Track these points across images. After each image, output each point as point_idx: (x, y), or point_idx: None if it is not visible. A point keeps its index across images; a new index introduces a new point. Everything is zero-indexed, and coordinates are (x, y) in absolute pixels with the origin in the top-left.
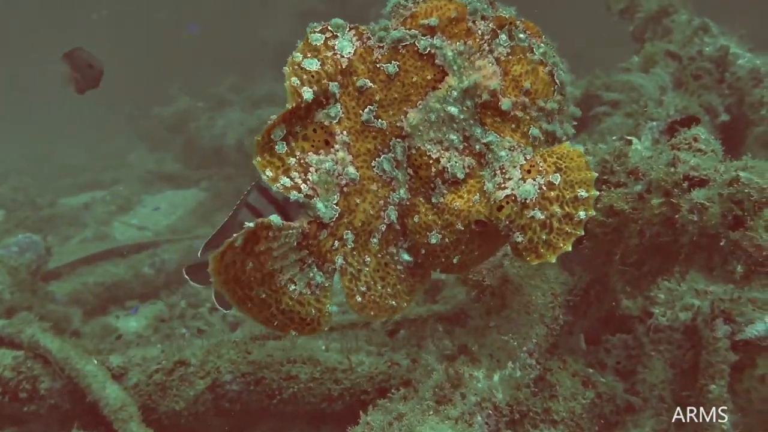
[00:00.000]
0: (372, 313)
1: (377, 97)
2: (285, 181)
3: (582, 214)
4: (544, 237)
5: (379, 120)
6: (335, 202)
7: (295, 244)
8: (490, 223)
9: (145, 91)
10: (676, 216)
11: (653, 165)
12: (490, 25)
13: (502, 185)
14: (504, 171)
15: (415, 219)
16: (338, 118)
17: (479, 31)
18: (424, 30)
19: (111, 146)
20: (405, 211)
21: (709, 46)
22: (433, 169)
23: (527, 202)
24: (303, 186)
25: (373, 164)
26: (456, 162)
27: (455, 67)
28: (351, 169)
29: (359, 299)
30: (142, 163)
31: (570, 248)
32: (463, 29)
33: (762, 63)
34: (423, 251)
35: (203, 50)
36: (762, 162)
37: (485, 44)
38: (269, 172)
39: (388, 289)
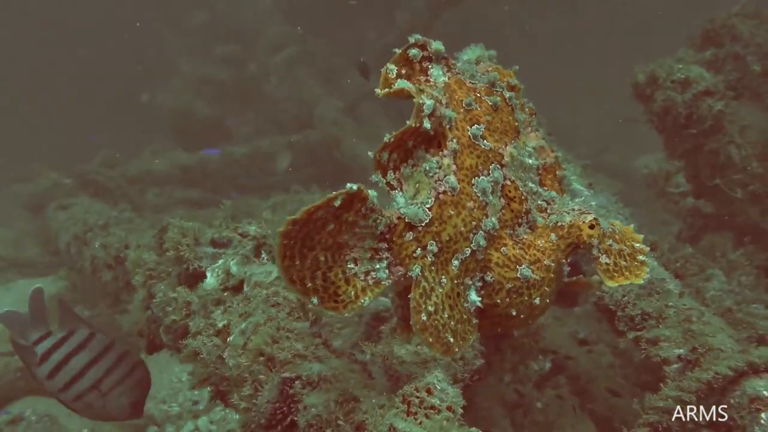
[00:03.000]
0: (430, 339)
1: (483, 119)
2: (383, 156)
3: (642, 257)
4: (623, 263)
5: (485, 141)
6: (428, 206)
7: (378, 232)
8: (576, 251)
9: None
10: None
11: None
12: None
13: (583, 212)
14: (574, 209)
15: (503, 251)
16: (451, 125)
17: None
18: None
19: None
20: (491, 241)
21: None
22: (524, 206)
23: (605, 231)
24: (390, 173)
25: (473, 182)
26: (533, 207)
27: (521, 128)
28: (452, 179)
29: (424, 318)
30: None
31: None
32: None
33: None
34: (496, 294)
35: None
36: None
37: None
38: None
39: (452, 322)
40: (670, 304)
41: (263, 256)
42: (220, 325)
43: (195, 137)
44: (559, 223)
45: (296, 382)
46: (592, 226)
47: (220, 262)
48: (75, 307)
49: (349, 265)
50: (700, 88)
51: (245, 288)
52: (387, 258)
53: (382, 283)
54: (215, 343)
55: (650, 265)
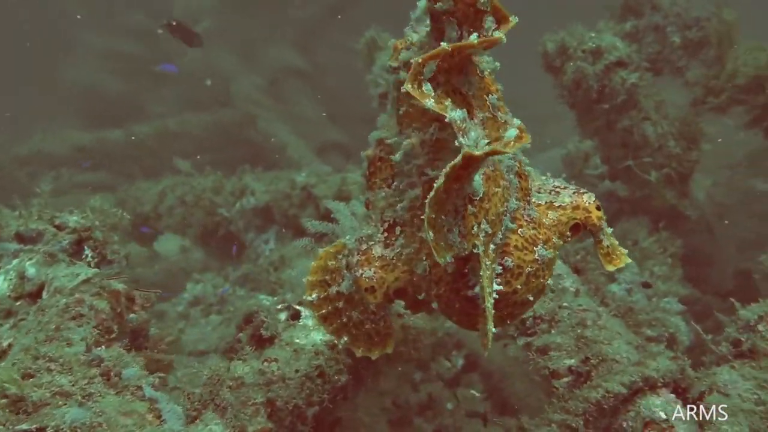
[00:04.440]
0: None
1: (494, 88)
2: (455, 115)
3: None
4: (614, 246)
5: (500, 113)
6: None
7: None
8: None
9: None
10: None
11: None
12: None
13: (579, 192)
14: (567, 188)
15: (521, 232)
16: (474, 90)
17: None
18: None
19: None
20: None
21: None
22: (530, 183)
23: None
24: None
25: (498, 158)
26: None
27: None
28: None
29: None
30: None
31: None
32: None
33: None
34: (516, 279)
35: None
36: None
37: None
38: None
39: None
40: (565, 304)
41: (87, 253)
42: (5, 344)
43: (105, 115)
44: (557, 203)
45: None
46: (599, 208)
47: (14, 262)
48: None
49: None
50: (612, 59)
51: (44, 294)
52: (458, 228)
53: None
54: None
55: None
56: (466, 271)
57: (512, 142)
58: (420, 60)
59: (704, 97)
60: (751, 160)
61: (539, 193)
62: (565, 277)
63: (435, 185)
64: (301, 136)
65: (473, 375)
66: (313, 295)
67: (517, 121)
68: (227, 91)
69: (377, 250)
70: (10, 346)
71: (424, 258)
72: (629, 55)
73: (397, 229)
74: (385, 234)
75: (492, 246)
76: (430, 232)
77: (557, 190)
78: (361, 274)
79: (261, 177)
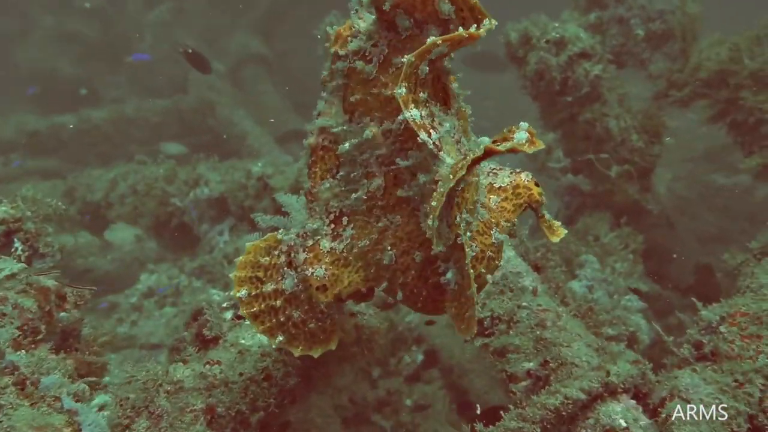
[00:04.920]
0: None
1: (452, 77)
2: (415, 114)
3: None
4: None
5: (461, 101)
6: None
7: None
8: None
9: None
10: None
11: None
12: None
13: (515, 172)
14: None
15: (481, 216)
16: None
17: None
18: None
19: None
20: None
21: None
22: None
23: None
24: (433, 133)
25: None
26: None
27: None
28: (465, 140)
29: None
30: None
31: None
32: None
33: None
34: (480, 263)
35: None
36: None
37: None
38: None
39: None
40: (524, 304)
41: (17, 246)
42: None
43: (58, 100)
44: (497, 185)
45: None
46: (537, 184)
47: None
48: None
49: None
50: (576, 50)
51: None
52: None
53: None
54: None
55: (506, 256)
56: (434, 258)
57: (528, 144)
58: (414, 59)
59: (667, 91)
60: (712, 154)
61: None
62: (525, 276)
63: (451, 176)
64: (263, 125)
65: (433, 371)
66: (243, 292)
67: (525, 124)
68: (186, 77)
69: (325, 243)
70: None
71: (388, 248)
72: (593, 47)
73: (344, 220)
74: (332, 226)
75: (468, 234)
76: (437, 221)
77: (495, 171)
78: (312, 273)
79: (216, 166)
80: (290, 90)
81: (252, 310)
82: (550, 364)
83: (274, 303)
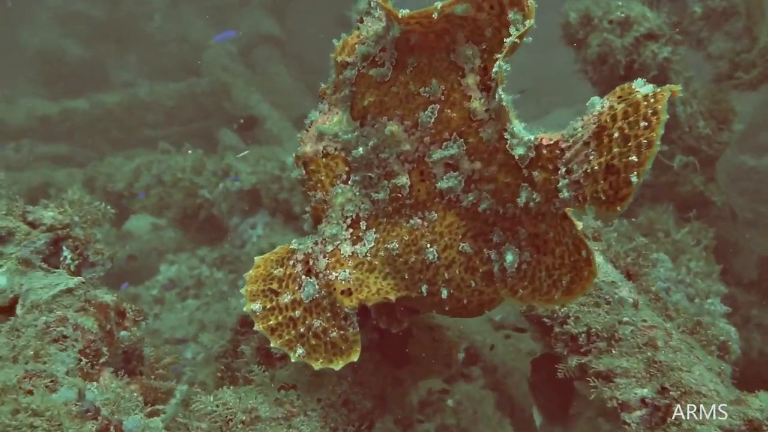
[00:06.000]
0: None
1: None
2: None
3: None
4: None
5: None
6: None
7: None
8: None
9: None
10: None
11: None
12: None
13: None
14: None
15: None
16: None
17: None
18: None
19: None
20: None
21: None
22: None
23: None
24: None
25: None
26: None
27: None
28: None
29: None
30: None
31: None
32: None
33: None
34: None
35: None
36: None
37: None
38: None
39: None
40: (625, 319)
41: (65, 255)
42: None
43: (65, 82)
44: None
45: None
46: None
47: None
48: None
49: None
50: (642, 30)
51: (18, 310)
52: None
53: None
54: None
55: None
56: (483, 247)
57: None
58: (504, 63)
59: (731, 73)
60: (741, 135)
61: None
62: (620, 285)
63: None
64: (278, 108)
65: (474, 369)
66: (256, 306)
67: (640, 81)
68: (199, 59)
69: (345, 248)
70: None
71: (427, 245)
72: (660, 26)
73: (362, 224)
74: (350, 230)
75: None
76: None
77: None
78: (336, 277)
79: (244, 156)
80: (304, 72)
81: (269, 324)
82: (671, 392)
83: (292, 314)
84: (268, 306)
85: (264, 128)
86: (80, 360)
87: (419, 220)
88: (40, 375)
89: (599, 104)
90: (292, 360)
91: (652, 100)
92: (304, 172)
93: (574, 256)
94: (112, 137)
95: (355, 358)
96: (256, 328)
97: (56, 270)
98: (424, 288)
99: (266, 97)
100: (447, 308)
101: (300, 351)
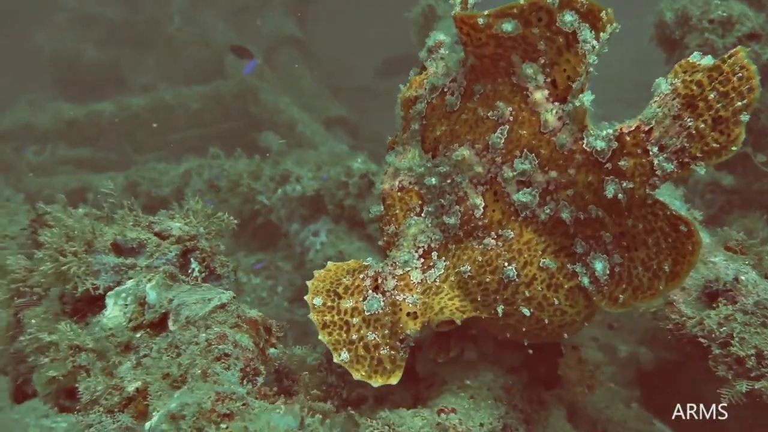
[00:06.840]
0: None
1: None
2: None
3: None
4: None
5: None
6: None
7: None
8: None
9: None
10: None
11: None
12: None
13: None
14: None
15: None
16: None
17: None
18: None
19: None
20: None
21: None
22: None
23: None
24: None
25: None
26: None
27: None
28: None
29: None
30: None
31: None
32: None
33: None
34: None
35: None
36: None
37: None
38: None
39: None
40: None
41: (193, 266)
42: (130, 388)
43: (81, 86)
44: None
45: None
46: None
47: (129, 283)
48: None
49: None
50: (744, 30)
51: (170, 325)
52: None
53: None
54: (125, 425)
55: (749, 277)
56: (567, 262)
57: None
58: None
59: None
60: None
61: None
62: None
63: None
64: (304, 110)
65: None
66: (318, 300)
67: (698, 54)
68: (219, 61)
69: (416, 275)
70: (138, 390)
71: (505, 264)
72: (763, 26)
73: (434, 255)
74: (421, 260)
75: None
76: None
77: None
78: (404, 299)
79: (300, 161)
80: (325, 74)
81: (324, 318)
82: None
83: (349, 318)
84: (329, 304)
85: (295, 131)
86: (243, 379)
87: (493, 240)
88: (231, 397)
89: (666, 83)
90: (335, 360)
91: (731, 60)
92: (383, 208)
93: (672, 236)
94: (136, 140)
95: (394, 381)
96: (310, 316)
97: (204, 285)
98: (500, 308)
99: (292, 100)
100: (524, 329)
101: (345, 356)
